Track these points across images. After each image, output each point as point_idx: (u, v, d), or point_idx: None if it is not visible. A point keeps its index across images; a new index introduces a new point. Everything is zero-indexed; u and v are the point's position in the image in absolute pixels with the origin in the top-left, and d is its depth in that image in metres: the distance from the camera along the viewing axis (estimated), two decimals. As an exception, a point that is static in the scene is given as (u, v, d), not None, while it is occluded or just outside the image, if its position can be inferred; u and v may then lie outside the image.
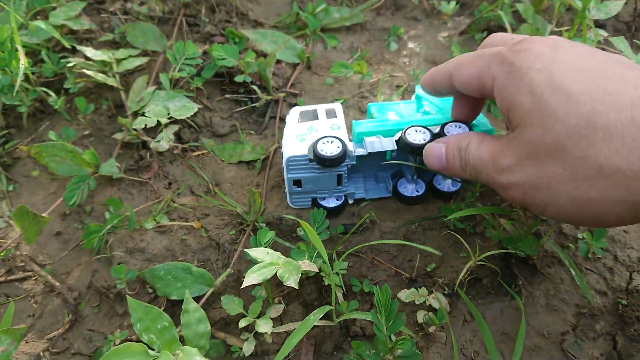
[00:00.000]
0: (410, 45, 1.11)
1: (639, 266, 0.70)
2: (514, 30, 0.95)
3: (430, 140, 0.68)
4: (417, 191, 0.78)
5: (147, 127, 0.80)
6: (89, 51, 0.93)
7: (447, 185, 0.78)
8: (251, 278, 0.60)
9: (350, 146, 0.73)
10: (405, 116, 0.80)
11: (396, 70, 1.05)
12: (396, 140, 0.72)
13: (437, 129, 0.70)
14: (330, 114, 0.79)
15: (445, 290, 0.70)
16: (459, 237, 0.69)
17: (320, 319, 0.66)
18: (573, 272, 0.64)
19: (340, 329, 0.70)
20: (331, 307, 0.64)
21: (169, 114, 0.83)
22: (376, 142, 0.72)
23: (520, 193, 0.51)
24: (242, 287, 0.58)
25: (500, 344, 0.66)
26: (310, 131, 0.76)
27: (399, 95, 0.99)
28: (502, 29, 0.99)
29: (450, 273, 0.72)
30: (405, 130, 0.70)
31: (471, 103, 0.67)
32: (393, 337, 0.58)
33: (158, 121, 0.82)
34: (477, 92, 0.57)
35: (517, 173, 0.50)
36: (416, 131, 0.70)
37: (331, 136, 0.73)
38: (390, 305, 0.57)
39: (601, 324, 0.65)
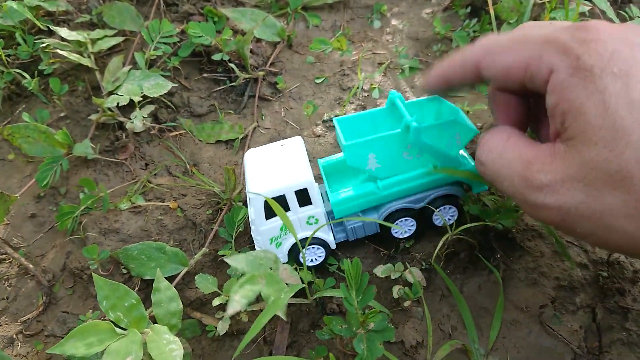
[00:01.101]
0: (394, 22, 1.09)
1: (621, 238, 0.68)
2: (495, 10, 0.92)
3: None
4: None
5: (120, 105, 0.79)
6: (64, 32, 0.91)
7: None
8: (236, 303, 0.58)
9: (330, 237, 0.69)
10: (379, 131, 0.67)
11: (378, 48, 1.03)
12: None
13: (420, 202, 0.68)
14: (302, 196, 0.65)
15: (422, 265, 0.69)
16: (435, 210, 0.68)
17: (296, 297, 0.65)
18: (554, 240, 0.62)
19: (317, 306, 0.68)
20: (303, 284, 0.62)
21: (142, 92, 0.81)
22: (358, 227, 0.69)
23: (559, 218, 0.42)
24: (228, 314, 0.56)
25: (478, 319, 0.65)
26: (284, 232, 0.68)
27: (381, 72, 0.98)
28: (485, 3, 0.97)
29: (429, 248, 0.71)
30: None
31: (514, 103, 0.53)
32: (366, 312, 0.57)
33: (132, 100, 0.80)
34: (518, 84, 0.47)
35: (561, 196, 0.41)
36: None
37: (313, 244, 0.69)
38: (360, 279, 0.55)
39: (581, 296, 0.64)
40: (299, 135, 0.89)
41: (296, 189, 0.64)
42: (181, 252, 0.72)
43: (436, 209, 0.68)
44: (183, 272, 0.72)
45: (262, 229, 0.67)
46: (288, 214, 0.66)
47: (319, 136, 0.89)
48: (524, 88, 0.47)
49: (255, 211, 0.66)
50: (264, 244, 0.69)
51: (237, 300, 0.59)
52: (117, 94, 0.79)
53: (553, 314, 0.63)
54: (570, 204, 0.41)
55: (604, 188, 0.39)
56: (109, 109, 0.86)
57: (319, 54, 1.02)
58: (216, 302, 0.67)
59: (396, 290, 0.64)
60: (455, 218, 0.70)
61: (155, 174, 0.85)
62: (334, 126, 0.90)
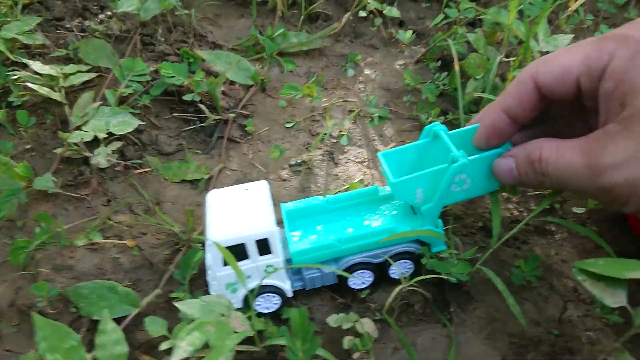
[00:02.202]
0: (367, 71, 1.11)
1: (574, 296, 0.69)
2: (461, 59, 0.95)
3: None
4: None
5: (84, 141, 0.78)
6: (37, 65, 0.92)
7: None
8: (181, 350, 0.57)
9: (287, 285, 0.68)
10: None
11: (350, 96, 1.05)
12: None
13: (379, 257, 0.69)
14: (262, 245, 0.64)
15: (376, 316, 0.68)
16: (391, 261, 0.67)
17: (247, 344, 0.64)
18: (505, 296, 0.62)
19: (268, 355, 0.67)
20: (252, 332, 0.61)
21: (108, 129, 0.81)
22: (316, 277, 0.70)
23: (629, 192, 0.46)
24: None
25: (429, 374, 0.64)
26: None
27: (351, 120, 0.99)
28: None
29: (385, 298, 0.70)
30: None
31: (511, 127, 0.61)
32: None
33: (96, 136, 0.80)
34: (573, 84, 0.52)
35: (628, 170, 0.45)
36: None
37: (268, 292, 0.68)
38: (306, 328, 0.55)
39: (532, 354, 0.64)
40: (265, 178, 0.89)
41: (257, 239, 0.64)
42: (133, 292, 0.71)
43: (393, 262, 0.68)
44: (133, 313, 0.70)
45: (219, 274, 0.66)
46: (246, 262, 0.66)
47: (285, 180, 0.89)
48: (576, 86, 0.51)
49: (212, 257, 0.65)
50: (219, 290, 0.68)
51: (183, 347, 0.58)
52: (82, 130, 0.79)
53: (504, 371, 0.62)
54: (637, 176, 0.45)
55: None
56: (75, 143, 0.86)
57: (291, 98, 1.03)
58: (163, 346, 0.65)
59: (346, 341, 0.63)
60: (411, 272, 0.70)
61: (116, 211, 0.84)
62: (299, 171, 0.90)
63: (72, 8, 1.18)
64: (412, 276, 0.67)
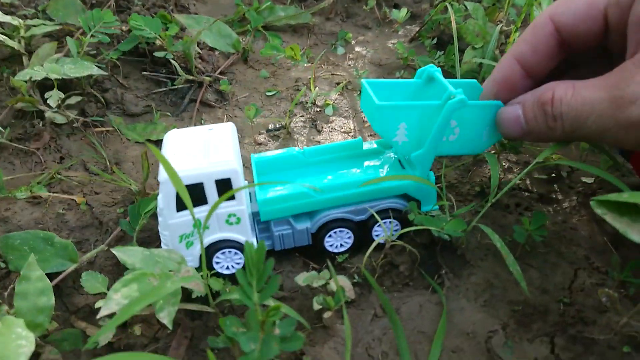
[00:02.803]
0: (358, 49, 1.04)
1: (586, 264, 0.59)
2: (459, 31, 0.88)
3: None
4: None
5: (33, 80, 0.70)
6: (-2, 15, 0.84)
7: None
8: (113, 303, 0.47)
9: (252, 241, 0.58)
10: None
11: (339, 70, 0.98)
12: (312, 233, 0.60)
13: (360, 213, 0.59)
14: (224, 188, 0.54)
15: (355, 279, 0.58)
16: (376, 215, 0.58)
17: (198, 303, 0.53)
18: (503, 253, 0.52)
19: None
20: (203, 292, 0.50)
21: (63, 72, 0.72)
22: (286, 234, 0.60)
23: None
24: (101, 314, 0.45)
25: (415, 344, 0.53)
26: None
27: (338, 91, 0.91)
28: (452, 37, 0.92)
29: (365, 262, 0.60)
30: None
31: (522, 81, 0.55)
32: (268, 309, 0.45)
33: (50, 79, 0.72)
34: (600, 20, 0.47)
35: None
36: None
37: (230, 248, 0.58)
38: (263, 266, 0.44)
39: (538, 323, 0.53)
40: (240, 142, 0.80)
41: (217, 178, 0.53)
42: (71, 244, 0.61)
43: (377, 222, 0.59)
44: (70, 269, 0.60)
45: (171, 222, 0.56)
46: (204, 207, 0.55)
47: (261, 144, 0.80)
48: (603, 21, 0.46)
49: (164, 198, 0.54)
50: (171, 242, 0.57)
51: (116, 299, 0.48)
52: (33, 69, 0.71)
53: (504, 341, 0.52)
54: None
55: None
56: (29, 94, 0.77)
57: (274, 70, 0.96)
58: (99, 304, 0.54)
59: (316, 300, 0.52)
60: (398, 234, 0.60)
61: (69, 167, 0.75)
62: (278, 136, 0.82)
63: (48, -24, 1.12)
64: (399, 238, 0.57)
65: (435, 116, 0.54)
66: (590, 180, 0.70)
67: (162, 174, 0.53)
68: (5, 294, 0.59)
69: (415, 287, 0.58)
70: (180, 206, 0.55)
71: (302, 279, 0.56)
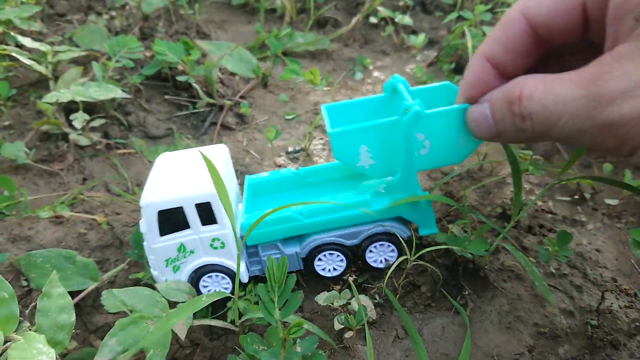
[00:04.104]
0: (376, 74, 1.05)
1: (613, 285, 0.57)
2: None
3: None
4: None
5: (59, 103, 0.71)
6: (26, 40, 0.87)
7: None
8: (107, 350, 0.47)
9: (242, 267, 0.56)
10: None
11: (357, 95, 0.99)
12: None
13: (353, 237, 0.57)
14: (204, 212, 0.53)
15: (376, 299, 0.57)
16: (398, 236, 0.57)
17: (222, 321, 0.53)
18: (527, 269, 0.51)
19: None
20: (233, 296, 0.50)
21: (88, 95, 0.74)
22: (276, 259, 0.54)
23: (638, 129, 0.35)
24: None
25: (438, 367, 0.52)
26: (183, 254, 0.55)
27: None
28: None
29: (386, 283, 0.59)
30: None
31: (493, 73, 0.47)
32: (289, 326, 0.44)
33: (76, 102, 0.74)
34: (578, 12, 0.41)
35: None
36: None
37: (215, 272, 0.57)
38: (284, 281, 0.44)
39: (565, 347, 0.52)
40: (259, 164, 0.81)
41: (197, 202, 0.52)
42: (93, 263, 0.61)
43: (371, 244, 0.57)
44: (91, 287, 0.60)
45: (155, 246, 0.55)
46: (187, 232, 0.54)
47: (280, 166, 0.80)
48: (582, 16, 0.41)
49: (146, 223, 0.53)
50: (158, 267, 0.56)
51: (110, 346, 0.48)
52: (59, 92, 0.72)
53: (530, 364, 0.50)
54: None
55: None
56: (55, 117, 0.79)
57: (293, 94, 0.97)
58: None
59: (337, 320, 0.52)
60: (394, 259, 0.58)
61: (91, 188, 0.76)
62: (297, 158, 0.82)
63: (76, 6, 1.16)
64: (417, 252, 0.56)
65: (395, 132, 0.51)
66: (614, 202, 0.69)
67: (143, 199, 0.52)
68: (27, 311, 0.59)
69: (438, 308, 0.56)
70: (164, 230, 0.54)
71: (322, 298, 0.55)
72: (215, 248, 0.55)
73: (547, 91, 0.39)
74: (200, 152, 0.47)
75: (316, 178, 0.63)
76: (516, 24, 0.44)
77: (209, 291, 0.58)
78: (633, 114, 0.34)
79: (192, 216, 0.53)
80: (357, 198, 0.56)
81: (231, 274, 0.57)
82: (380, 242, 0.57)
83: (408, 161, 0.52)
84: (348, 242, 0.57)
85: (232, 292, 0.57)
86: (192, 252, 0.55)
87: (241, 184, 0.71)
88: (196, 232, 0.54)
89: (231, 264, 0.56)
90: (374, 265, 0.59)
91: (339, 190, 0.62)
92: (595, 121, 0.36)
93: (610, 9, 0.38)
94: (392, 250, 0.58)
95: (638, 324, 0.52)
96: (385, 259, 0.59)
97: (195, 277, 0.57)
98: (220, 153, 0.58)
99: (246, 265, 0.58)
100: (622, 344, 0.51)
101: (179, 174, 0.55)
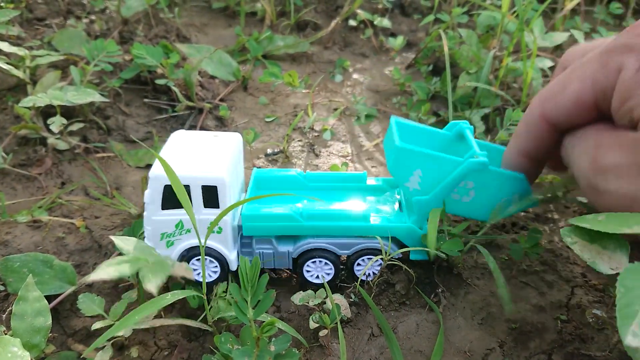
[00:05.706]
0: (356, 76, 1.06)
1: (582, 281, 0.59)
2: (453, 56, 0.90)
3: None
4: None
5: (37, 107, 0.71)
6: (4, 44, 0.87)
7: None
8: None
9: (232, 255, 0.57)
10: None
11: (337, 97, 1.00)
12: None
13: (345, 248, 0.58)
14: (209, 195, 0.54)
15: (351, 297, 0.58)
16: (378, 237, 0.58)
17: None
18: (495, 275, 0.52)
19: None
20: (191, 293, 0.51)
21: (66, 99, 0.74)
22: (267, 253, 0.59)
23: (624, 204, 0.41)
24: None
25: (412, 364, 0.53)
26: (179, 230, 0.56)
27: (336, 117, 0.93)
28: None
29: (361, 283, 0.60)
30: None
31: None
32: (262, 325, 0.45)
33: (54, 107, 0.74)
34: (592, 108, 0.46)
35: (625, 182, 0.40)
36: None
37: (207, 255, 0.58)
38: (257, 281, 0.45)
39: (536, 341, 0.53)
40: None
41: (204, 184, 0.54)
42: (70, 267, 0.61)
43: (359, 257, 0.59)
44: (69, 291, 0.60)
45: (155, 218, 0.56)
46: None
47: (259, 168, 0.81)
48: (596, 110, 0.46)
49: (151, 194, 0.54)
50: (153, 238, 0.57)
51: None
52: (36, 96, 0.72)
53: (501, 359, 0.51)
54: (635, 191, 0.40)
55: None
56: (33, 121, 0.79)
57: (273, 97, 0.97)
58: (96, 325, 0.55)
59: (312, 318, 0.52)
60: (395, 253, 0.59)
61: (70, 192, 0.76)
62: (276, 160, 0.83)
63: (55, 10, 1.16)
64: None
65: (452, 171, 0.54)
66: (585, 199, 0.71)
67: (154, 170, 0.53)
68: (3, 316, 0.59)
69: (412, 306, 0.57)
70: (166, 205, 0.55)
71: (298, 298, 0.56)
72: (212, 232, 0.55)
73: (582, 135, 0.47)
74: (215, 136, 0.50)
75: (321, 183, 0.65)
76: (540, 125, 0.50)
77: (198, 274, 0.58)
78: (615, 190, 0.42)
79: (197, 197, 0.54)
80: (360, 212, 0.58)
81: (220, 259, 0.58)
82: (369, 257, 0.59)
83: (441, 194, 0.55)
84: (340, 252, 0.58)
85: (219, 280, 0.58)
86: (188, 230, 0.56)
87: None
88: (197, 213, 0.54)
89: (224, 250, 0.57)
90: (360, 275, 0.60)
91: (340, 199, 0.63)
92: (589, 180, 0.44)
93: (613, 108, 0.44)
94: (379, 264, 0.59)
95: (604, 317, 0.54)
96: (373, 272, 0.60)
97: (187, 257, 0.58)
98: (234, 141, 0.60)
99: (237, 253, 0.59)
100: (590, 338, 0.52)
101: (191, 153, 0.57)
